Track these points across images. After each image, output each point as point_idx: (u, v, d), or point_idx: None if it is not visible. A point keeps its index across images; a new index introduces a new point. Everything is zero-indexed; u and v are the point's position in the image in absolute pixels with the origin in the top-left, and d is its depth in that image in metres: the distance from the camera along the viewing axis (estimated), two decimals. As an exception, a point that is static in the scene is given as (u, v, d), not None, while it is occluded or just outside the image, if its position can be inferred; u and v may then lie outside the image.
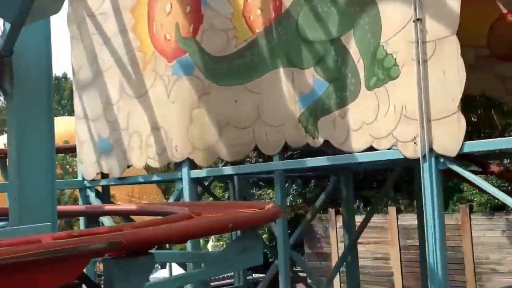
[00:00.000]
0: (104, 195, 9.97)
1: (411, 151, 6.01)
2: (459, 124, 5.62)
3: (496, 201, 12.71)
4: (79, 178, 10.07)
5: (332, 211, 16.63)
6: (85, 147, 9.92)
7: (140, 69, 8.99)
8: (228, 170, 8.07)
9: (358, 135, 6.53)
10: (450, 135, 5.70)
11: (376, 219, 16.21)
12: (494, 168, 7.16)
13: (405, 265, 15.15)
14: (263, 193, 18.65)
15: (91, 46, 9.84)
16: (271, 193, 18.35)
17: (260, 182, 18.86)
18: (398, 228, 15.45)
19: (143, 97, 8.91)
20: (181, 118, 8.33)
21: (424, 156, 5.87)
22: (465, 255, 13.94)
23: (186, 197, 8.18)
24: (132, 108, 9.08)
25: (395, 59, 6.19)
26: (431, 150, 5.84)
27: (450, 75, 5.72)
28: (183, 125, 8.30)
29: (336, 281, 15.84)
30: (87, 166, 9.86)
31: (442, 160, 5.82)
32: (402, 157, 6.13)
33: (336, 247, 16.09)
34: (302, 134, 7.11)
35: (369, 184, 16.99)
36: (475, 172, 7.43)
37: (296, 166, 7.38)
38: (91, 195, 9.78)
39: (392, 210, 15.51)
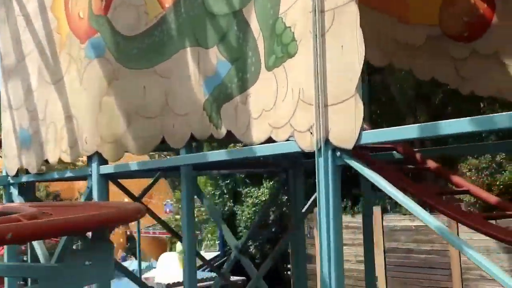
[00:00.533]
0: (28, 192, 9.07)
1: (308, 143, 4.97)
2: (356, 110, 4.57)
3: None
4: (3, 173, 9.21)
5: (316, 210, 15.58)
6: (9, 139, 9.05)
7: (57, 53, 8.08)
8: (133, 165, 7.11)
9: (258, 125, 5.51)
10: (346, 124, 4.65)
11: (360, 219, 15.14)
12: (431, 164, 6.08)
13: (389, 269, 14.08)
14: (249, 191, 17.70)
15: (16, 29, 8.97)
16: (255, 192, 17.41)
17: (246, 179, 17.92)
18: (383, 229, 14.38)
19: (58, 84, 8.00)
20: (90, 107, 7.39)
21: (320, 149, 4.83)
22: (452, 259, 12.82)
23: (95, 196, 7.24)
24: (49, 96, 8.18)
25: (293, 32, 5.15)
26: (327, 141, 4.80)
27: (348, 50, 4.67)
28: (93, 115, 7.36)
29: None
30: (10, 160, 9.00)
31: (339, 153, 4.78)
32: (300, 150, 5.10)
33: (320, 248, 15.00)
34: (207, 124, 6.11)
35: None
36: (411, 169, 6.39)
37: (201, 160, 6.38)
38: (14, 192, 8.91)
39: (376, 210, 14.39)
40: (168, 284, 15.89)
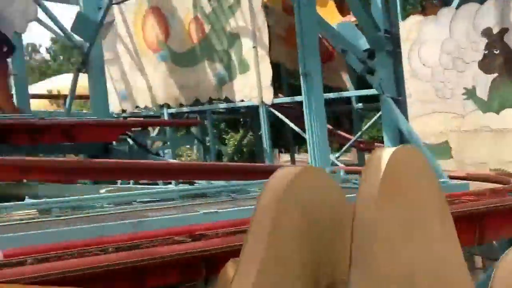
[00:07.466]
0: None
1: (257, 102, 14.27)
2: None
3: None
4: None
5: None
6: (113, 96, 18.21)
7: (140, 56, 17.21)
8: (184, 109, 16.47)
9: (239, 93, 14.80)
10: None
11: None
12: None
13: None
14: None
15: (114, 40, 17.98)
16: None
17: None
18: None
19: (142, 71, 17.15)
20: (161, 82, 16.64)
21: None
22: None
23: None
24: (137, 77, 17.37)
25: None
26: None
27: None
28: (161, 85, 16.62)
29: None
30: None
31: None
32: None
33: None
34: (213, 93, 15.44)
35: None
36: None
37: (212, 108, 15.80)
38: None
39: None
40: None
